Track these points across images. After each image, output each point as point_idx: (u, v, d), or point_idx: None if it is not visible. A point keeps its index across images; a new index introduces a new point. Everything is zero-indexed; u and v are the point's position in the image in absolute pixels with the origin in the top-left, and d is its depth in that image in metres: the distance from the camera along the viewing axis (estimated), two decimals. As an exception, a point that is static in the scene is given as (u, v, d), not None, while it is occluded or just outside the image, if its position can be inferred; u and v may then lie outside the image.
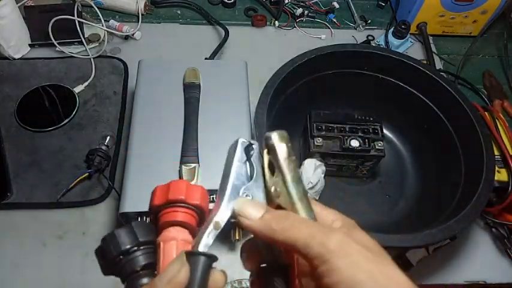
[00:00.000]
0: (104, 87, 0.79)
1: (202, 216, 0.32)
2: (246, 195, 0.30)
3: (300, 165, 0.67)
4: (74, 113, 0.75)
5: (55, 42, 0.80)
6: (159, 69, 0.69)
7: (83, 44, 0.83)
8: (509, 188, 0.62)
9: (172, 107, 0.64)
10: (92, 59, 0.82)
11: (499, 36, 0.95)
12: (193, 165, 0.57)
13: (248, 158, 0.32)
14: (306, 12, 0.95)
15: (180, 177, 0.56)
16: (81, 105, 0.77)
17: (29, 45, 0.83)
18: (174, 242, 0.29)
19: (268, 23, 0.94)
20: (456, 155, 0.64)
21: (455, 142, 0.65)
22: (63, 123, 0.74)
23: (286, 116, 0.67)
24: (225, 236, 0.62)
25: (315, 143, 0.66)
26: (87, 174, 0.66)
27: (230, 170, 0.31)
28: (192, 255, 0.27)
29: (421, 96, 0.69)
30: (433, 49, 0.92)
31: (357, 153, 0.66)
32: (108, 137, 0.71)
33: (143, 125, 0.62)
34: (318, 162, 0.65)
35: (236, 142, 0.32)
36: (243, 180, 0.31)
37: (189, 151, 0.59)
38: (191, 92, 0.66)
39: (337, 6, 0.98)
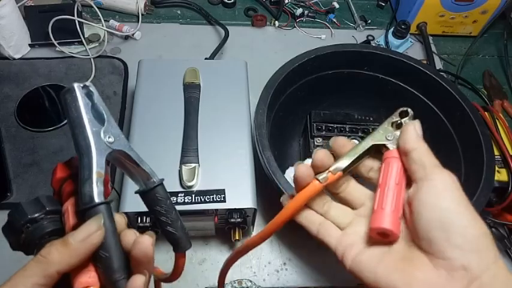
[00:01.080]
0: (104, 87, 0.79)
1: None
2: (109, 137, 0.31)
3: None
4: (74, 113, 0.75)
5: (55, 42, 0.80)
6: (159, 69, 0.69)
7: (83, 44, 0.83)
8: (509, 188, 0.63)
9: (172, 107, 0.64)
10: (92, 59, 0.82)
11: (499, 36, 0.95)
12: (193, 165, 0.57)
13: (92, 103, 0.31)
14: (306, 12, 0.95)
15: (180, 177, 0.56)
16: (81, 105, 0.76)
17: (29, 45, 0.83)
18: (72, 208, 0.31)
19: (268, 23, 0.94)
20: (456, 155, 0.64)
21: (455, 142, 0.65)
22: (63, 123, 0.74)
23: (286, 116, 0.67)
24: (225, 236, 0.62)
25: (315, 143, 0.66)
26: (87, 174, 0.66)
27: (82, 120, 0.30)
28: (94, 208, 0.29)
29: (421, 96, 0.69)
30: (433, 49, 0.93)
31: (357, 153, 0.66)
32: (108, 137, 0.71)
33: (143, 125, 0.62)
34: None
35: (72, 89, 0.31)
36: (98, 125, 0.31)
37: (189, 151, 0.59)
38: (191, 92, 0.66)
39: (337, 6, 0.98)
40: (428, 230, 0.29)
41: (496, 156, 0.64)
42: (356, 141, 0.35)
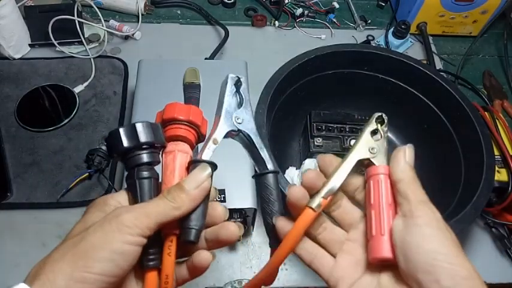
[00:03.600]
0: (104, 87, 0.79)
1: (200, 135, 0.37)
2: (237, 118, 0.37)
3: (300, 165, 0.67)
4: (74, 113, 0.75)
5: (55, 42, 0.80)
6: (159, 69, 0.69)
7: (83, 44, 0.83)
8: (509, 188, 0.63)
9: (172, 107, 0.64)
10: (92, 59, 0.82)
11: (499, 36, 0.95)
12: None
13: (237, 90, 0.38)
14: (306, 12, 0.95)
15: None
16: (81, 105, 0.77)
17: (29, 45, 0.83)
18: (175, 153, 0.34)
19: (268, 23, 0.94)
20: (456, 155, 0.64)
21: (455, 142, 0.65)
22: (63, 123, 0.74)
23: (286, 116, 0.67)
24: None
25: (315, 143, 0.66)
26: (87, 174, 0.67)
27: (224, 99, 0.37)
28: (197, 162, 0.33)
29: (421, 96, 0.69)
30: (433, 49, 0.92)
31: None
32: (108, 137, 0.71)
33: (143, 125, 0.62)
34: (318, 162, 0.65)
35: (227, 77, 0.38)
36: (234, 107, 0.37)
37: (189, 151, 0.59)
38: (191, 92, 0.66)
39: (337, 6, 0.98)
40: (416, 271, 0.28)
41: (496, 156, 0.64)
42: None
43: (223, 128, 0.36)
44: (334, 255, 0.34)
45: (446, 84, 0.65)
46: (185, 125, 0.35)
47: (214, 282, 0.60)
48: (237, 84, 0.38)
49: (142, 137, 0.32)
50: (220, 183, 0.56)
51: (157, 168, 0.34)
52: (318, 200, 0.32)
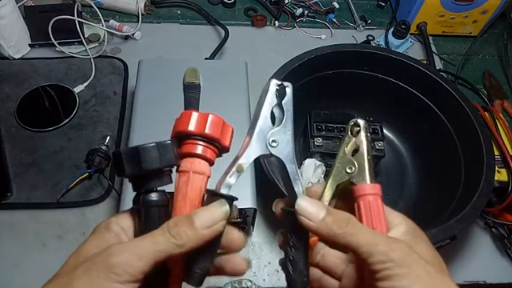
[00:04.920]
0: (104, 87, 0.79)
1: (221, 148, 0.31)
2: (273, 140, 0.30)
3: (300, 165, 0.67)
4: (74, 113, 0.75)
5: (55, 42, 0.80)
6: (159, 69, 0.69)
7: (83, 44, 0.83)
8: (509, 188, 0.62)
9: (172, 107, 0.64)
10: (92, 59, 0.82)
11: (499, 36, 0.95)
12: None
13: (279, 102, 0.31)
14: (306, 12, 0.95)
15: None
16: (81, 105, 0.77)
17: (29, 45, 0.83)
18: (189, 175, 0.30)
19: (268, 23, 0.94)
20: (456, 155, 0.64)
21: (455, 142, 0.65)
22: (63, 123, 0.74)
23: (286, 116, 0.67)
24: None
25: (315, 143, 0.66)
26: (87, 174, 0.66)
27: (259, 114, 0.30)
28: (215, 195, 0.29)
29: (421, 96, 0.69)
30: (433, 49, 0.92)
31: (357, 153, 0.66)
32: (108, 137, 0.71)
33: (143, 125, 0.62)
34: (318, 162, 0.65)
35: (268, 83, 0.31)
36: (270, 124, 0.31)
37: (189, 151, 0.59)
38: (191, 92, 0.66)
39: (337, 6, 0.98)
40: None
41: (496, 156, 0.64)
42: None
43: (252, 152, 0.30)
44: (338, 279, 0.33)
45: (446, 84, 0.65)
46: (201, 139, 0.30)
47: (215, 282, 0.60)
48: (281, 93, 0.31)
49: (146, 164, 0.28)
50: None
51: (170, 187, 0.31)
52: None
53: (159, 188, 0.30)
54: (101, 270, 0.25)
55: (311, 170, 0.63)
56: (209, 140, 0.30)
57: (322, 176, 0.64)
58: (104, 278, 0.25)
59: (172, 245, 0.27)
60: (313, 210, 0.29)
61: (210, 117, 0.30)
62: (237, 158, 0.30)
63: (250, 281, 0.60)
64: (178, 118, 0.31)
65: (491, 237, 0.68)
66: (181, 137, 0.31)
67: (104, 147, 0.69)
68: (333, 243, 0.29)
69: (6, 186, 0.66)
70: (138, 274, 0.26)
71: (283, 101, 0.31)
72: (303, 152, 0.71)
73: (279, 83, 0.31)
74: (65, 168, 0.69)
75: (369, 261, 0.27)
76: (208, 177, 0.31)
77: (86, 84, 0.79)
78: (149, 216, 0.29)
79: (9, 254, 0.61)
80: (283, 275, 0.32)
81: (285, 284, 0.31)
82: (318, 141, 0.66)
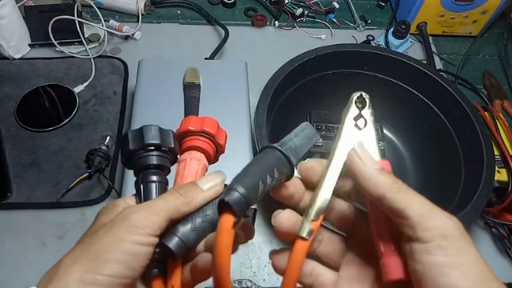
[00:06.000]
0: (104, 87, 0.79)
1: (217, 146, 0.36)
2: None
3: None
4: (74, 113, 0.75)
5: (55, 42, 0.80)
6: (159, 69, 0.69)
7: (83, 44, 0.83)
8: (509, 188, 0.62)
9: (172, 107, 0.64)
10: (92, 59, 0.82)
11: (499, 36, 0.95)
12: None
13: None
14: (306, 12, 0.95)
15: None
16: (81, 105, 0.77)
17: (29, 45, 0.83)
18: (187, 161, 0.34)
19: (268, 23, 0.94)
20: (456, 155, 0.64)
21: (455, 142, 0.65)
22: (63, 123, 0.74)
23: (286, 116, 0.67)
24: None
25: (315, 143, 0.66)
26: (87, 174, 0.66)
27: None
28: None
29: (421, 96, 0.69)
30: (433, 49, 0.92)
31: (357, 153, 0.66)
32: (108, 137, 0.71)
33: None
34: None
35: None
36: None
37: (189, 151, 0.59)
38: (191, 92, 0.66)
39: (337, 6, 0.98)
40: None
41: (496, 156, 0.64)
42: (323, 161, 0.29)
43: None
44: (336, 269, 0.31)
45: (446, 84, 0.65)
46: (199, 135, 0.35)
47: (214, 282, 0.60)
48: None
49: (147, 138, 0.32)
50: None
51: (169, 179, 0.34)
52: (307, 227, 0.27)
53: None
54: (123, 227, 0.27)
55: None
56: (206, 135, 0.35)
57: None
58: (127, 232, 0.27)
59: (181, 202, 0.29)
60: (369, 157, 0.27)
61: (206, 117, 0.35)
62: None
63: (250, 281, 0.60)
64: (179, 125, 0.36)
65: (491, 237, 0.68)
66: (182, 137, 0.35)
67: (104, 147, 0.69)
68: (375, 198, 0.26)
69: (6, 186, 0.66)
70: (157, 228, 0.28)
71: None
72: (303, 152, 0.71)
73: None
74: (65, 168, 0.69)
75: (413, 233, 0.24)
76: (205, 165, 0.35)
77: (86, 84, 0.79)
78: (150, 191, 0.31)
79: (9, 254, 0.61)
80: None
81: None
82: (318, 141, 0.66)
